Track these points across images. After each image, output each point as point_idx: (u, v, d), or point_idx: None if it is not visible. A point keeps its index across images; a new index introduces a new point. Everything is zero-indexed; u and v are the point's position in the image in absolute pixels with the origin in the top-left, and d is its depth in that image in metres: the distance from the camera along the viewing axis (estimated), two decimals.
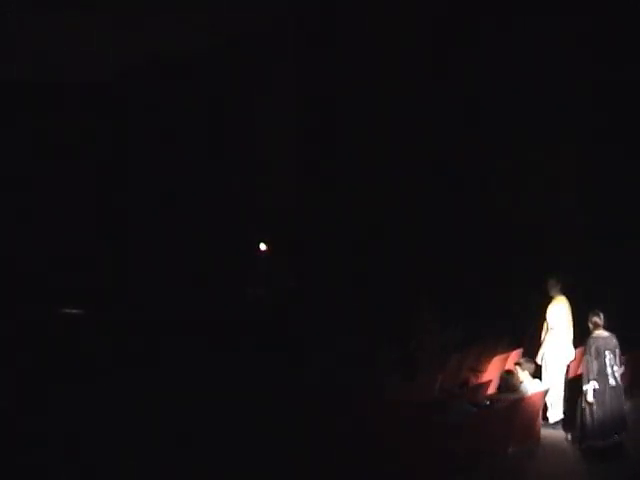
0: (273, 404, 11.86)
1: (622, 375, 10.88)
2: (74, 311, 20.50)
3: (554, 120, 16.66)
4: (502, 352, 14.04)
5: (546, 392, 11.74)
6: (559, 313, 12.31)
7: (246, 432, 10.71)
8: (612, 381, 10.58)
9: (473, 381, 13.01)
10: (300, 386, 13.31)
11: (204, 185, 22.20)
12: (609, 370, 10.53)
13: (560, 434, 11.98)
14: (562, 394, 12.32)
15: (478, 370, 13.38)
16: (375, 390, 13.09)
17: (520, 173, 17.12)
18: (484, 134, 17.29)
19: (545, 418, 12.10)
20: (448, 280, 16.53)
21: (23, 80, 21.93)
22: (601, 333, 10.70)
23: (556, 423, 12.24)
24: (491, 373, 13.15)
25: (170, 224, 22.20)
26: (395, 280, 17.45)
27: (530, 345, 13.24)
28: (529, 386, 11.46)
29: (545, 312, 12.39)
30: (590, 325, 10.83)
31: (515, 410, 10.97)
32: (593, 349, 10.58)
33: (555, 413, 12.26)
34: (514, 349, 13.99)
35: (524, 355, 13.00)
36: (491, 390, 12.57)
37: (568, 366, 12.50)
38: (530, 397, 11.29)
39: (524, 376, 11.52)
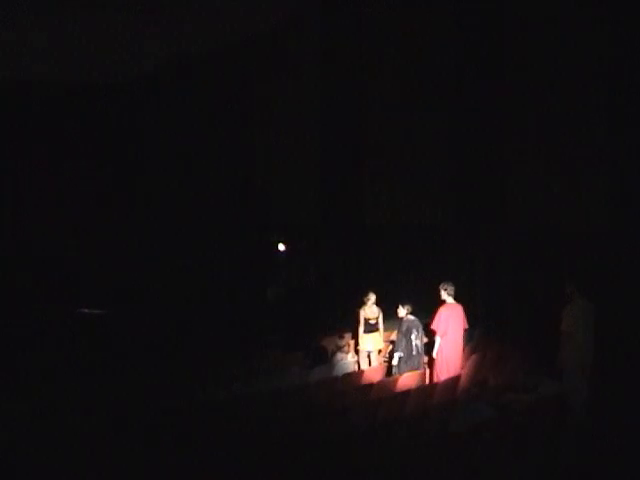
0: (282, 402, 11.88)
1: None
2: (96, 311, 20.62)
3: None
4: (520, 353, 13.96)
5: (565, 395, 11.62)
6: (575, 316, 12.19)
7: (245, 434, 10.70)
8: (414, 352, 13.81)
9: (491, 382, 12.92)
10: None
11: (222, 186, 22.22)
12: (413, 344, 13.77)
13: (578, 437, 11.83)
14: (582, 397, 12.20)
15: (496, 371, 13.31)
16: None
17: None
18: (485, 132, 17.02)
19: (563, 421, 11.97)
20: None
21: (35, 80, 22.10)
22: (410, 317, 14.00)
23: (573, 426, 12.10)
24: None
25: (188, 225, 22.24)
26: None
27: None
28: (545, 388, 11.38)
29: (562, 315, 12.27)
30: (406, 310, 14.00)
31: (533, 412, 10.88)
32: (404, 328, 13.87)
33: (572, 416, 12.12)
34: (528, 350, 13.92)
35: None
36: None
37: (587, 369, 12.37)
38: (548, 399, 11.19)
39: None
